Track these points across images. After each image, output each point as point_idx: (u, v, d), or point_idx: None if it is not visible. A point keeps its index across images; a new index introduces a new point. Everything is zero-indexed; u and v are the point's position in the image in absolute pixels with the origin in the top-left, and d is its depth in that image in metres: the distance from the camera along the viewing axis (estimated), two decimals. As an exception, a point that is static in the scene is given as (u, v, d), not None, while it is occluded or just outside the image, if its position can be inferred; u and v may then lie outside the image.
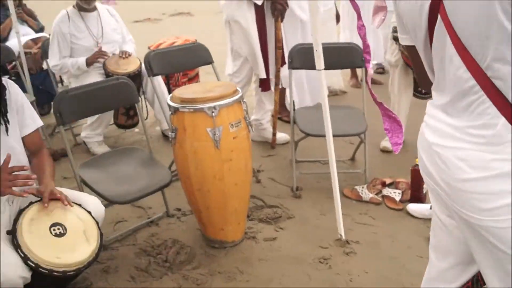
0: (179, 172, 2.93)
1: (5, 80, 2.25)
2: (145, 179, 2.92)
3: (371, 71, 2.51)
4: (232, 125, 2.72)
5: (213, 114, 2.63)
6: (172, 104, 2.74)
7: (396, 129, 2.42)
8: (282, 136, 4.40)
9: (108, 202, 2.70)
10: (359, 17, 2.47)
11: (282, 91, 4.68)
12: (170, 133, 2.82)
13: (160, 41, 5.09)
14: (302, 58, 3.66)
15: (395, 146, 2.43)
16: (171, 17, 12.68)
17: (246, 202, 3.04)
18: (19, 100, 2.30)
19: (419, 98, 4.12)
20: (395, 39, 3.76)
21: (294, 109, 3.74)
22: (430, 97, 4.14)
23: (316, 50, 2.60)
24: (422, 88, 1.45)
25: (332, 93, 5.67)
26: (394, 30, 3.76)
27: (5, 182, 2.02)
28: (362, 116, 3.63)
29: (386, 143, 4.14)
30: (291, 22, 4.25)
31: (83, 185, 2.84)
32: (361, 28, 2.48)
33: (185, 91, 2.85)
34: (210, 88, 2.83)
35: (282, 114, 4.82)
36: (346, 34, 5.69)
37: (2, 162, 2.13)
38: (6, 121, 2.21)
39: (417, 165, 3.25)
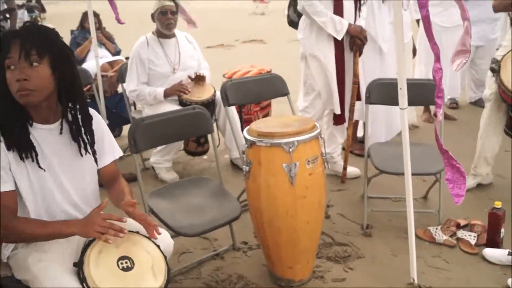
0: (250, 206, 2.86)
1: (90, 110, 2.23)
2: (214, 211, 2.84)
3: (440, 118, 2.37)
4: (308, 161, 2.63)
5: (291, 149, 2.56)
6: (248, 137, 2.68)
7: (459, 180, 2.31)
8: (353, 170, 4.28)
9: (175, 233, 2.64)
10: (437, 59, 2.31)
11: (355, 124, 4.58)
12: (244, 166, 2.75)
13: (236, 69, 5.10)
14: (381, 93, 3.57)
15: (457, 197, 2.31)
16: (244, 43, 12.80)
17: (316, 240, 2.94)
18: (100, 130, 2.26)
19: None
20: (493, 70, 3.60)
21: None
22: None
23: (401, 89, 2.49)
24: None
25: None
26: (493, 62, 3.61)
27: (98, 227, 1.95)
28: (438, 154, 3.44)
29: None
30: (370, 52, 4.19)
31: (151, 214, 2.79)
32: (437, 71, 2.33)
33: (262, 124, 2.78)
34: (288, 122, 2.75)
35: (353, 147, 4.70)
36: (421, 68, 5.56)
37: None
38: (94, 152, 2.18)
39: (496, 208, 3.18)
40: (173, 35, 4.30)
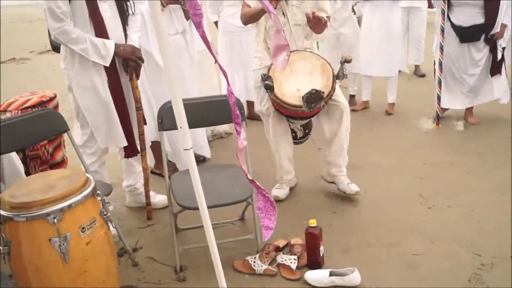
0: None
1: None
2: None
3: (243, 143, 2.07)
4: (83, 228, 2.18)
5: (55, 220, 2.08)
6: (1, 212, 2.14)
7: (269, 210, 2.13)
8: (161, 199, 3.86)
9: None
10: (228, 83, 2.02)
11: (157, 145, 4.17)
12: (1, 247, 2.20)
13: (12, 99, 4.33)
14: (173, 117, 3.16)
15: (266, 230, 2.12)
16: (41, 55, 11.63)
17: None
18: None
19: (295, 144, 4.04)
20: (268, 87, 3.45)
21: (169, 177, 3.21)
22: (305, 140, 3.93)
23: (181, 127, 2.07)
24: None
25: (217, 136, 5.40)
26: (263, 78, 3.47)
27: None
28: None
29: (276, 192, 3.91)
30: (153, 69, 3.89)
31: None
32: (230, 96, 2.03)
33: (19, 191, 2.25)
34: (52, 182, 2.25)
35: (160, 169, 4.30)
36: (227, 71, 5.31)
37: None
38: None
39: (311, 227, 2.97)
40: None
